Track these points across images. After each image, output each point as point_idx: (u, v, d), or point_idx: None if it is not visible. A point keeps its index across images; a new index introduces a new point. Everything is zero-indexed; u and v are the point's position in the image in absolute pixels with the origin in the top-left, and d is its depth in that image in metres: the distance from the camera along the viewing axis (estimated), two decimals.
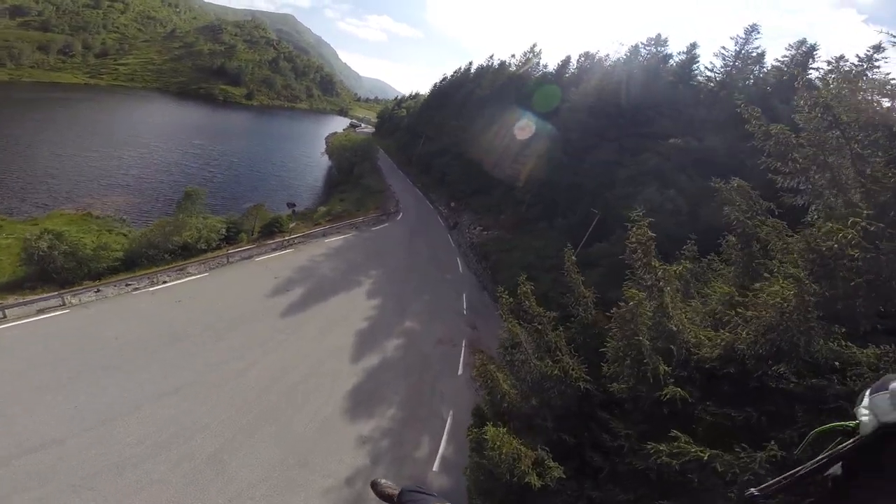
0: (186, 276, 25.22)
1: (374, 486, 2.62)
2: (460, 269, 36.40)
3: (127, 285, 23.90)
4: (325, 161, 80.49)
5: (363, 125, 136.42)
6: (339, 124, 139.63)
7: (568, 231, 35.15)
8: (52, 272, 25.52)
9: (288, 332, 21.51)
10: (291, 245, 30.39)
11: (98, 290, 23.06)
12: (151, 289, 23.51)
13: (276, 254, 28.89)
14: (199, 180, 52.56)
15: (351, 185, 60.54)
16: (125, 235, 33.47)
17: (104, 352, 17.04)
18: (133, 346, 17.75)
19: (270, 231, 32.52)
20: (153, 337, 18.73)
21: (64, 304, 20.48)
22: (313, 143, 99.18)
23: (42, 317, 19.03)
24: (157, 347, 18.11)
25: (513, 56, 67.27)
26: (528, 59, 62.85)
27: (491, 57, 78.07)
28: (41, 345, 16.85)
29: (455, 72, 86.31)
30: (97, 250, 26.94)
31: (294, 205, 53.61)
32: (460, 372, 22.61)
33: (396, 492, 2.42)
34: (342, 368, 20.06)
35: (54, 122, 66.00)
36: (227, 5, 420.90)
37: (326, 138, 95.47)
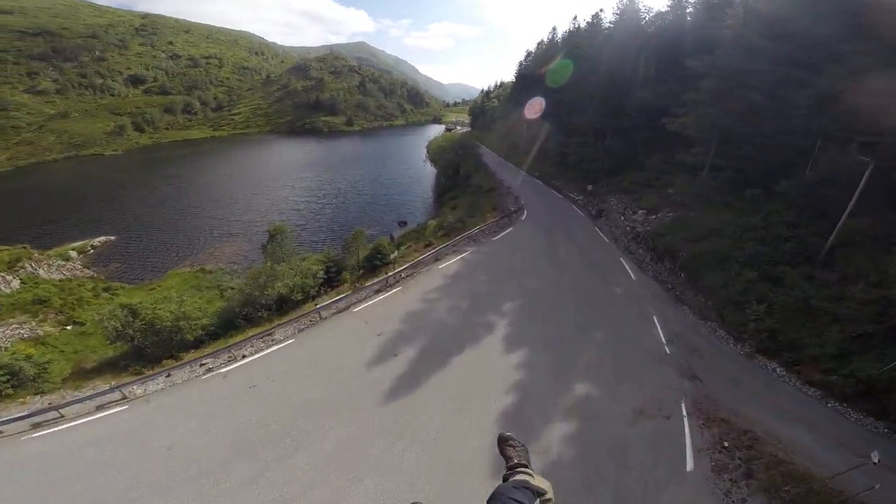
0: (270, 346, 18.77)
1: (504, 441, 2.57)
2: (632, 275, 24.99)
3: (201, 365, 18.61)
4: (429, 169, 74.49)
5: (458, 127, 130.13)
6: (435, 132, 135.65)
7: (806, 196, 21.73)
8: (143, 348, 21.62)
9: (395, 430, 13.37)
10: (398, 282, 22.31)
11: (168, 375, 18.23)
12: (225, 369, 17.55)
13: (379, 297, 21.11)
14: (307, 214, 50.41)
15: (459, 188, 52.30)
16: (221, 295, 28.85)
17: (150, 471, 12.67)
18: (184, 463, 12.84)
19: (373, 265, 24.79)
20: (211, 448, 13.22)
21: (124, 398, 16.76)
22: (415, 155, 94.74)
23: (100, 415, 15.72)
24: (213, 466, 12.59)
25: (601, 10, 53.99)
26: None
27: (574, 19, 65.12)
28: (77, 460, 13.39)
29: (538, 44, 74.40)
30: (177, 321, 21.65)
31: (405, 222, 47.03)
32: (690, 467, 12.73)
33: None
34: (480, 488, 11.10)
35: (179, 178, 70.75)
36: (305, 45, 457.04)
37: (426, 146, 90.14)
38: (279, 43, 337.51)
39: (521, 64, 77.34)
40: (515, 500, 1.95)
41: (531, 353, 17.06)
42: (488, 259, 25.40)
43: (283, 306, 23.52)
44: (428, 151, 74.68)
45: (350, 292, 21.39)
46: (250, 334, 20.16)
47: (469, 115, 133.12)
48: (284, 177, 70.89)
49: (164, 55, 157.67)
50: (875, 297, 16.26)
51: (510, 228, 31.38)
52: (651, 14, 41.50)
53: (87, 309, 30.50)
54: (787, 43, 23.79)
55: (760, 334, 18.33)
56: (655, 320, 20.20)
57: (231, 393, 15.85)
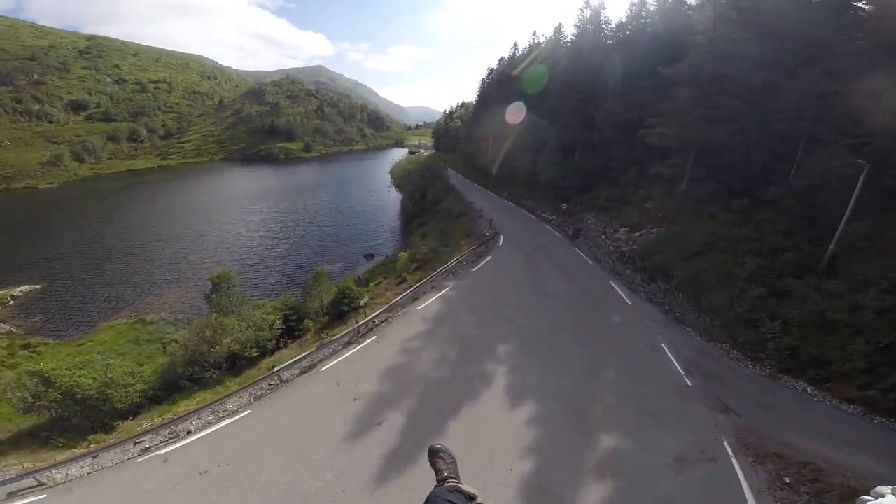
0: (221, 418, 15.49)
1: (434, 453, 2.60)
2: (626, 299, 23.30)
3: (136, 444, 15.08)
4: (394, 196, 71.80)
5: (421, 150, 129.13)
6: (397, 156, 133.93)
7: (796, 203, 20.86)
8: (66, 418, 18.12)
9: None
10: (370, 330, 19.32)
11: (95, 457, 14.72)
12: (166, 449, 14.26)
13: (351, 351, 18.03)
14: (262, 252, 45.37)
15: (428, 213, 50.01)
16: (164, 349, 25.01)
17: None
18: None
19: (339, 310, 21.61)
20: None
21: (41, 484, 13.59)
22: (378, 180, 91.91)
23: None
24: None
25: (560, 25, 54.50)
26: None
27: (534, 34, 66.02)
28: None
29: (500, 62, 74.43)
30: (103, 389, 17.91)
31: (372, 255, 43.87)
32: None
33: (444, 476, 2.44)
34: None
35: (118, 214, 63.94)
36: (261, 69, 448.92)
37: (389, 171, 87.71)
38: (233, 67, 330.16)
39: (483, 82, 76.91)
40: (449, 502, 2.03)
41: (540, 405, 14.51)
42: (471, 294, 22.93)
43: (235, 363, 20.15)
44: (392, 176, 72.01)
45: (315, 347, 18.25)
46: (197, 401, 16.78)
47: (432, 136, 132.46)
48: (237, 209, 65.50)
49: (109, 79, 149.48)
50: (889, 304, 15.48)
51: (489, 257, 29.17)
52: (611, 26, 41.18)
53: (1, 373, 25.76)
54: (763, 45, 23.18)
55: (781, 353, 16.96)
56: (665, 348, 18.28)
57: (174, 481, 12.50)
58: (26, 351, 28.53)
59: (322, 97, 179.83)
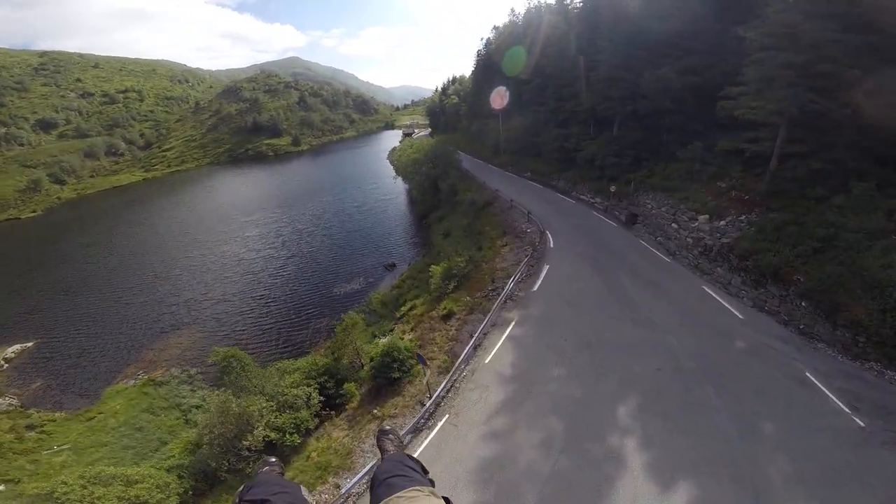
0: None
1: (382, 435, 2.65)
2: (736, 312, 18.99)
3: None
4: (399, 185, 66.00)
5: (417, 130, 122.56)
6: (392, 138, 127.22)
7: None
8: None
9: None
10: (438, 407, 14.43)
11: None
12: None
13: (423, 443, 13.38)
14: (266, 279, 39.03)
15: (445, 206, 44.80)
16: (185, 418, 21.65)
17: None
18: None
19: (389, 377, 16.44)
20: None
21: None
22: (378, 168, 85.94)
23: None
24: None
25: None
26: None
27: None
28: None
29: (495, 30, 67.68)
30: None
31: (394, 265, 38.98)
32: None
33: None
34: None
35: (98, 247, 56.98)
36: (233, 67, 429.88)
37: (389, 158, 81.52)
38: (204, 68, 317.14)
39: (479, 53, 70.29)
40: (409, 466, 1.98)
41: (699, 486, 10.67)
42: (546, 330, 18.18)
43: (275, 447, 15.77)
44: (396, 166, 65.95)
45: (378, 420, 13.59)
46: None
47: (426, 115, 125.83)
48: (230, 224, 58.57)
49: (73, 94, 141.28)
50: None
51: (546, 266, 24.32)
52: None
53: (13, 462, 21.66)
54: None
55: None
56: (814, 380, 14.19)
57: None
58: (33, 432, 24.39)
59: (302, 87, 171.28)
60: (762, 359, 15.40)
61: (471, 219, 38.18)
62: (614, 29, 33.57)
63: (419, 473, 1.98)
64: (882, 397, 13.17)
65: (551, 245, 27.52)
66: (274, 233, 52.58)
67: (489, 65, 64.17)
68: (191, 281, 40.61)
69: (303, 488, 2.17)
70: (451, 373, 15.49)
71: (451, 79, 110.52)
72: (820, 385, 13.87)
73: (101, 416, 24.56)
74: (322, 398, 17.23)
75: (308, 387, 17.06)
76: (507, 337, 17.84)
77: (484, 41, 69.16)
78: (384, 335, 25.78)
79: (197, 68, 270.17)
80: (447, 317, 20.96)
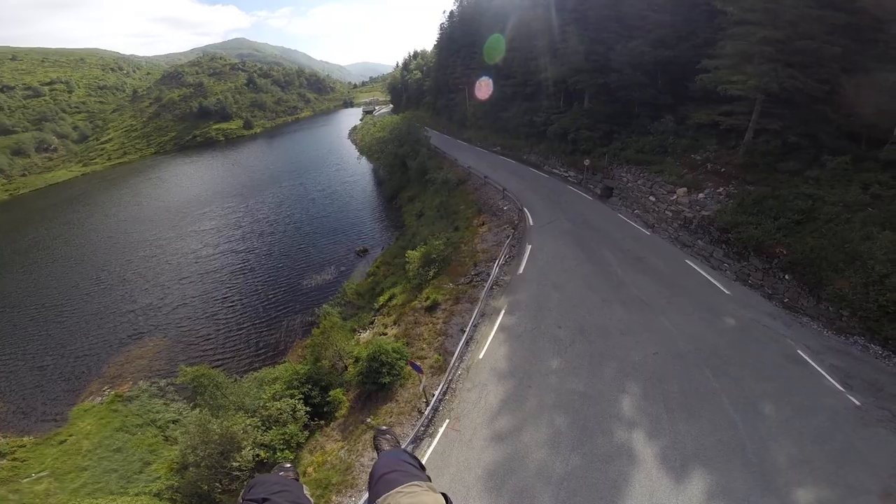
0: None
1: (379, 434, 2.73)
2: (721, 287, 19.06)
3: None
4: (364, 166, 63.44)
5: (378, 107, 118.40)
6: (352, 117, 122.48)
7: None
8: None
9: None
10: (436, 412, 13.51)
11: None
12: None
13: (427, 452, 12.43)
14: (229, 277, 36.20)
15: (415, 185, 43.38)
16: (164, 435, 20.42)
17: None
18: None
19: (378, 383, 15.12)
20: None
21: None
22: (339, 148, 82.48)
23: None
24: None
25: None
26: None
27: None
28: None
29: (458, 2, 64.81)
30: None
31: (365, 250, 37.26)
32: None
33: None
34: None
35: (43, 252, 51.09)
36: (171, 52, 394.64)
37: (351, 137, 78.11)
38: (140, 54, 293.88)
39: (442, 27, 67.59)
40: (407, 462, 1.97)
41: (712, 472, 10.57)
42: (537, 317, 17.45)
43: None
44: (359, 146, 62.81)
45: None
46: None
47: (387, 92, 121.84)
48: (183, 218, 53.79)
49: None
50: None
51: (528, 246, 23.57)
52: None
53: None
54: None
55: None
56: (806, 358, 14.15)
57: None
58: (4, 460, 22.06)
59: (250, 69, 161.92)
60: (754, 337, 15.31)
61: (444, 197, 36.96)
62: (584, 1, 32.51)
63: (417, 469, 1.94)
64: (871, 374, 13.28)
65: (531, 223, 26.80)
66: (232, 225, 48.98)
67: (453, 38, 61.71)
68: (145, 285, 37.42)
69: (305, 488, 2.15)
70: (446, 373, 14.55)
71: (412, 54, 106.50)
72: (812, 363, 13.86)
73: (74, 439, 22.55)
74: (308, 408, 16.03)
75: (292, 398, 15.80)
76: (498, 328, 17.02)
77: (447, 13, 66.41)
78: (364, 328, 24.59)
79: (131, 55, 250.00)
80: (432, 308, 19.90)
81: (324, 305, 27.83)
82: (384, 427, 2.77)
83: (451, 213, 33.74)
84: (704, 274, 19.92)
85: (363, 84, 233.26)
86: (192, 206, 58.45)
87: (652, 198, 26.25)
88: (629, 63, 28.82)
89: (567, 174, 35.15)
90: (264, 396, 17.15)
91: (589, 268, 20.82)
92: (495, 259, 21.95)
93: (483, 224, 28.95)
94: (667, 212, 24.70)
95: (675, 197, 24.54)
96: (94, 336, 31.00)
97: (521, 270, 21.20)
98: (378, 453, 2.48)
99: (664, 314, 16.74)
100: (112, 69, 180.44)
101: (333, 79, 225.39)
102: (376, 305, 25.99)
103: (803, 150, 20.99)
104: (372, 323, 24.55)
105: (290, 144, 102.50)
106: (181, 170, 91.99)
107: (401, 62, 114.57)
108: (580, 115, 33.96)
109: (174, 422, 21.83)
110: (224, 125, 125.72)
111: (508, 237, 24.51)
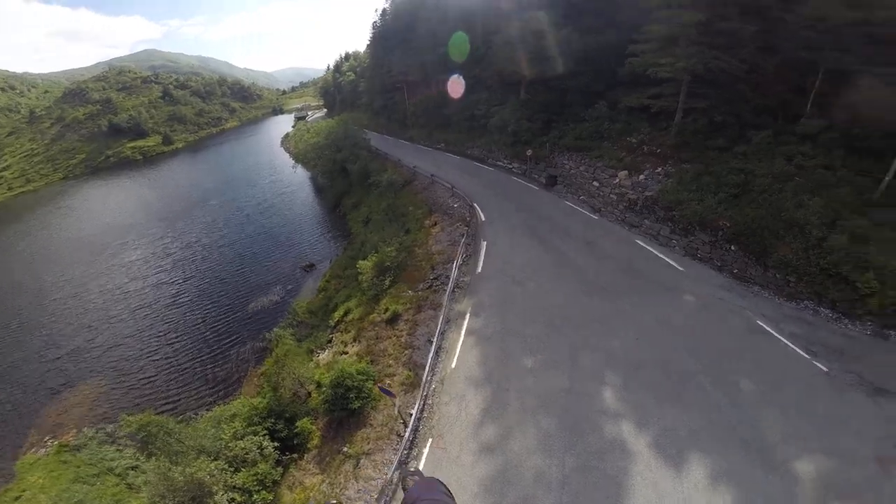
0: None
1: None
2: (674, 264, 19.52)
3: None
4: (301, 174, 60.57)
5: (310, 112, 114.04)
6: (283, 124, 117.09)
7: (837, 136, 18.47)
8: None
9: None
10: (416, 436, 12.67)
11: None
12: None
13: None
14: (162, 310, 32.75)
15: (358, 190, 41.88)
16: (126, 482, 18.29)
17: None
18: None
19: (347, 409, 13.91)
20: None
21: None
22: (273, 158, 78.14)
23: None
24: None
25: None
26: None
27: None
28: None
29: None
30: None
31: (312, 265, 35.28)
32: None
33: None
34: None
35: None
36: (71, 67, 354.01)
37: (284, 145, 74.37)
38: (34, 72, 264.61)
39: (374, 25, 65.83)
40: (441, 492, 2.01)
41: (710, 456, 10.53)
42: (504, 316, 17.02)
43: None
44: (294, 153, 59.57)
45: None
46: None
47: (319, 96, 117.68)
48: (104, 252, 47.54)
49: None
50: None
51: (483, 243, 23.18)
52: None
53: None
54: None
55: (884, 309, 14.28)
56: (769, 328, 14.69)
57: None
58: None
59: (165, 80, 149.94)
60: (715, 313, 15.72)
61: (391, 200, 35.90)
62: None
63: (450, 498, 1.95)
64: (829, 338, 13.92)
65: (483, 218, 26.47)
66: (160, 253, 44.29)
67: (387, 36, 60.28)
68: (68, 328, 33.06)
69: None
70: (420, 388, 13.71)
71: (343, 55, 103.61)
72: (774, 332, 14.33)
73: (29, 493, 19.54)
74: (276, 444, 14.66)
75: (255, 435, 14.35)
76: (466, 332, 16.40)
77: (379, 11, 64.66)
78: (322, 349, 23.19)
79: (25, 73, 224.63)
80: (393, 320, 18.95)
81: (275, 329, 25.95)
82: (413, 468, 2.74)
83: (400, 216, 32.75)
84: (655, 252, 20.46)
85: (293, 90, 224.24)
86: (109, 237, 52.43)
87: (595, 183, 26.79)
88: (560, 52, 29.18)
89: (511, 166, 35.27)
90: (224, 437, 15.60)
91: (545, 258, 20.76)
92: (453, 260, 21.35)
93: (435, 224, 28.27)
94: (611, 195, 25.28)
95: (617, 180, 25.16)
96: (20, 388, 27.02)
97: (479, 269, 20.75)
98: (405, 489, 2.48)
99: (626, 298, 16.91)
100: (2, 89, 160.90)
101: (260, 86, 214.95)
102: (332, 322, 24.58)
103: (729, 127, 22.22)
104: (330, 342, 23.17)
105: (217, 158, 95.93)
106: (94, 194, 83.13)
107: (332, 65, 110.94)
108: (518, 107, 34.09)
109: (133, 468, 19.54)
110: (140, 143, 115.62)
111: (463, 236, 23.98)
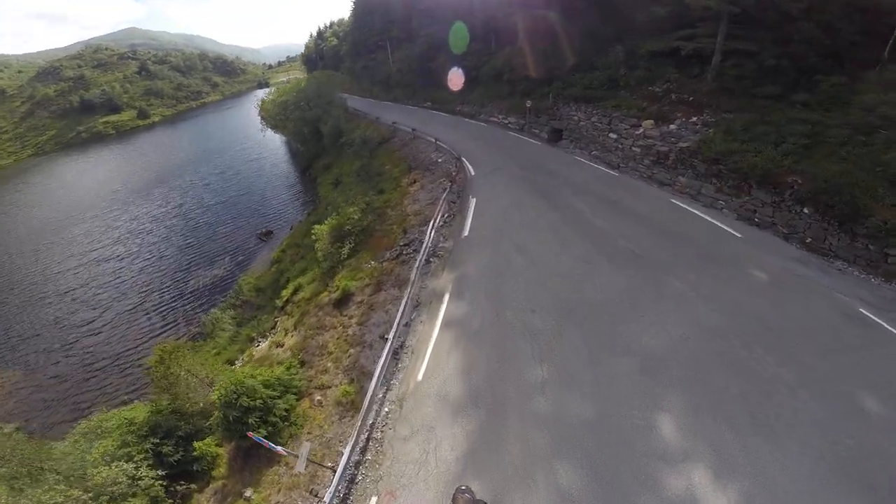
0: None
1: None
2: (729, 229, 14.72)
3: None
4: (277, 140, 55.20)
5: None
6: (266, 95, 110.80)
7: None
8: None
9: None
10: (349, 495, 7.53)
11: None
12: None
13: None
14: (90, 298, 27.22)
15: (332, 153, 36.44)
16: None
17: None
18: None
19: (241, 435, 8.74)
20: None
21: None
22: (248, 126, 72.10)
23: None
24: None
25: None
26: None
27: None
28: None
29: None
30: None
31: (270, 232, 30.17)
32: None
33: None
34: None
35: None
36: (47, 48, 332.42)
37: (260, 113, 68.29)
38: (9, 53, 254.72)
39: None
40: None
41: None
42: (497, 300, 11.78)
43: None
44: (264, 116, 53.29)
45: None
46: None
47: (303, 63, 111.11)
48: (46, 228, 42.32)
49: None
50: None
51: (473, 200, 17.94)
52: None
53: None
54: None
55: None
56: (876, 319, 9.81)
57: None
58: None
59: (143, 56, 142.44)
60: (796, 293, 10.85)
61: (365, 159, 30.59)
62: None
63: None
64: None
65: (472, 173, 21.27)
66: (103, 228, 38.91)
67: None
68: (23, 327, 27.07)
69: None
70: (361, 412, 8.51)
71: (327, 24, 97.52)
72: (884, 323, 9.60)
73: None
74: (162, 472, 9.69)
75: (130, 460, 9.35)
76: (442, 323, 11.16)
77: None
78: (263, 336, 18.12)
79: (1, 55, 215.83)
80: (342, 301, 13.69)
81: (213, 310, 20.93)
82: (464, 486, 2.94)
83: (374, 176, 27.52)
84: (701, 214, 15.36)
85: (279, 64, 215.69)
86: (63, 224, 46.09)
87: (613, 135, 21.59)
88: None
89: (507, 121, 29.91)
90: (90, 458, 10.69)
91: (555, 217, 15.59)
92: (431, 220, 16.07)
93: (414, 182, 23.03)
94: (633, 148, 20.14)
95: (640, 131, 20.01)
96: None
97: (466, 232, 15.49)
98: None
99: (670, 272, 11.80)
100: None
101: (244, 61, 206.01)
102: (279, 302, 19.43)
103: (782, 72, 17.21)
104: (273, 327, 18.06)
105: (193, 129, 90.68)
106: (61, 171, 76.91)
107: (315, 33, 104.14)
108: (515, 55, 28.57)
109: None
110: (114, 117, 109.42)
111: (445, 190, 18.71)
